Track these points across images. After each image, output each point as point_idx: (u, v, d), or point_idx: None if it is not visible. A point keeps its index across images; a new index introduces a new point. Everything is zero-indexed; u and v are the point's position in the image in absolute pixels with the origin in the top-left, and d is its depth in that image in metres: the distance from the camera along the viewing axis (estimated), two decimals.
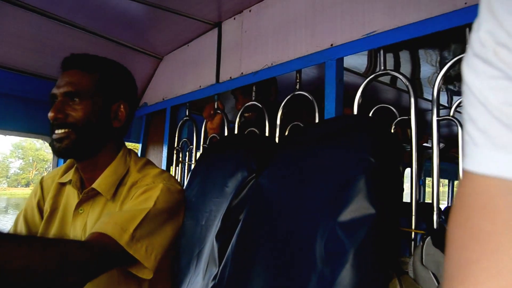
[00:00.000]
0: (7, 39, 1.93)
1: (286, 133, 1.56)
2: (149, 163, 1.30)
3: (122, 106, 1.23)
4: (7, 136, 2.29)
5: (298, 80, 1.53)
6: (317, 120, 1.41)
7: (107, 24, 2.02)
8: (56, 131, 1.12)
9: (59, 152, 1.14)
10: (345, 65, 1.38)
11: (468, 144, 0.34)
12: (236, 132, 1.79)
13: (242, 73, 1.75)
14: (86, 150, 1.17)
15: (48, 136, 2.34)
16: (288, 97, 1.55)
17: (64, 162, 2.32)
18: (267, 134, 1.64)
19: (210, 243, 1.19)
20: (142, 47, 2.32)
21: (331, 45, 1.37)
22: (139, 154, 2.57)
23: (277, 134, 1.56)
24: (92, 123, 1.15)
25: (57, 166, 2.43)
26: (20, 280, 0.75)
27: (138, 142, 2.64)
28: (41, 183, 1.35)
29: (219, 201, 1.25)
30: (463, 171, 0.35)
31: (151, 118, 2.60)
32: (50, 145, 1.19)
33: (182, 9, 1.84)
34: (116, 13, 1.90)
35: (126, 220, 1.01)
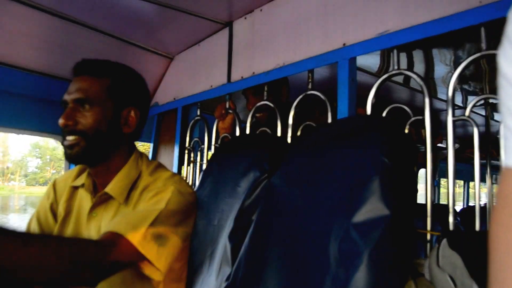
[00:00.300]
0: (20, 39, 1.95)
1: (299, 133, 1.56)
2: (160, 166, 1.30)
3: (132, 112, 1.23)
4: (21, 135, 2.32)
5: (310, 80, 1.52)
6: (329, 120, 1.40)
7: (119, 24, 2.04)
8: (67, 138, 1.13)
9: (70, 158, 1.15)
10: (357, 65, 1.37)
11: (509, 140, 0.33)
12: (247, 132, 1.79)
13: (253, 72, 1.75)
14: (96, 157, 1.18)
15: (60, 136, 2.38)
16: (300, 97, 1.54)
17: (72, 165, 2.36)
18: (279, 134, 1.63)
19: (223, 243, 1.19)
20: (153, 47, 2.33)
21: (344, 44, 1.36)
22: (150, 154, 2.59)
23: (289, 134, 1.55)
24: (102, 130, 1.15)
25: (69, 167, 2.46)
26: (35, 278, 0.76)
27: (150, 142, 2.65)
28: (54, 185, 1.36)
29: (231, 201, 1.25)
30: (504, 168, 0.33)
31: (163, 118, 2.61)
32: (63, 148, 1.20)
33: (193, 9, 1.84)
34: (127, 13, 1.91)
35: (138, 220, 1.02)
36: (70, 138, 1.13)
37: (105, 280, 0.91)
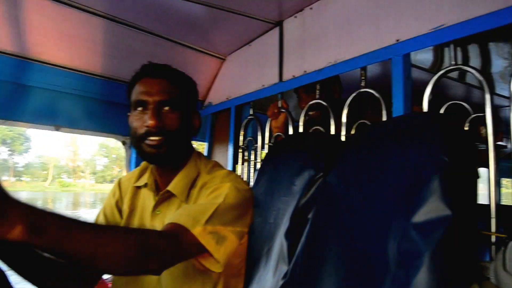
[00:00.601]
0: (82, 44, 2.07)
1: (352, 132, 1.55)
2: (217, 165, 1.35)
3: (196, 115, 1.30)
4: (85, 135, 2.46)
5: (363, 78, 1.51)
6: (384, 118, 1.39)
7: (173, 27, 2.11)
8: (151, 138, 1.17)
9: (153, 157, 1.21)
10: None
11: None
12: (301, 130, 1.80)
13: (305, 71, 1.75)
14: (175, 157, 1.24)
15: (120, 135, 2.51)
16: (354, 94, 1.53)
17: (137, 160, 2.47)
18: (332, 132, 1.63)
19: (279, 241, 1.21)
20: (205, 48, 2.38)
21: (397, 40, 1.34)
22: (205, 153, 2.66)
23: (343, 132, 1.54)
24: (182, 132, 1.22)
25: (129, 164, 2.58)
26: (105, 266, 0.81)
27: (204, 141, 2.71)
28: (119, 184, 1.44)
29: (287, 199, 1.27)
30: None
31: (216, 117, 2.67)
32: (135, 147, 1.25)
33: (244, 9, 1.87)
34: (180, 15, 1.98)
35: (198, 212, 1.06)
36: (155, 138, 1.17)
37: (167, 271, 0.96)
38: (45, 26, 1.91)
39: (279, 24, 1.98)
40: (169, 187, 1.25)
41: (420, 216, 0.81)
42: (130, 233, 0.87)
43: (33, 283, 1.05)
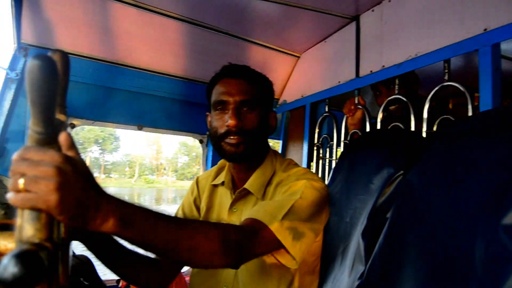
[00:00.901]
0: (163, 47, 2.18)
1: (434, 128, 1.47)
2: (292, 163, 1.35)
3: (272, 115, 1.32)
4: (166, 134, 2.58)
5: (446, 71, 1.43)
6: (469, 113, 1.30)
7: (248, 27, 2.15)
8: (231, 137, 1.21)
9: (232, 156, 1.24)
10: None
11: None
12: (378, 127, 1.75)
13: (383, 66, 1.70)
14: (253, 155, 1.26)
15: (198, 134, 2.61)
16: (436, 88, 1.45)
17: (213, 158, 2.55)
18: (412, 128, 1.56)
19: (356, 241, 1.18)
20: (280, 46, 2.39)
21: (485, 29, 1.25)
22: (279, 151, 2.67)
23: (424, 129, 1.47)
24: (260, 131, 1.24)
25: (206, 162, 2.66)
26: (187, 259, 0.84)
27: (279, 139, 2.73)
28: (197, 182, 1.48)
29: (364, 198, 1.24)
30: None
31: (291, 115, 2.67)
32: (214, 146, 1.28)
33: (319, 6, 1.85)
34: (255, 15, 2.00)
35: (275, 208, 1.06)
36: (235, 137, 1.20)
37: (244, 266, 0.97)
38: (129, 32, 2.03)
39: (355, 18, 1.93)
40: (246, 185, 1.27)
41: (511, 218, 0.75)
42: (211, 227, 0.89)
43: (117, 273, 1.12)
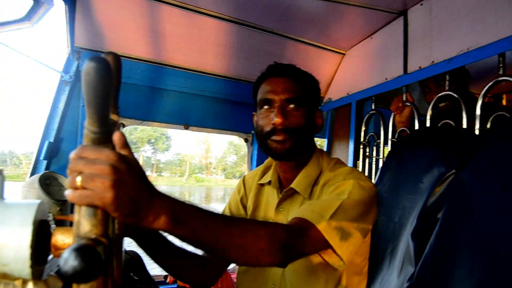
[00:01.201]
0: (210, 48, 2.21)
1: (488, 125, 1.41)
2: (339, 162, 1.33)
3: (318, 113, 1.31)
4: (213, 133, 2.62)
5: (501, 65, 1.36)
6: None
7: (293, 25, 2.14)
8: (277, 135, 1.21)
9: (278, 154, 1.25)
10: None
11: None
12: (427, 125, 1.70)
13: (432, 61, 1.65)
14: (299, 154, 1.26)
15: (243, 133, 2.63)
16: (490, 84, 1.39)
17: (258, 157, 2.56)
18: (464, 126, 1.50)
19: (405, 241, 1.16)
20: (325, 44, 2.37)
21: None
22: (325, 149, 2.64)
23: (477, 126, 1.42)
24: (306, 129, 1.24)
25: (251, 160, 2.68)
26: (236, 257, 0.85)
27: (324, 138, 2.70)
28: (243, 181, 1.50)
29: (413, 197, 1.21)
30: None
31: (336, 113, 2.64)
32: (260, 144, 1.29)
33: (365, 1, 1.82)
34: (300, 13, 2.00)
35: (323, 208, 1.05)
36: (281, 135, 1.21)
37: (291, 266, 0.97)
38: (176, 33, 2.08)
39: (403, 13, 1.88)
40: (293, 185, 1.27)
41: None
42: (260, 226, 0.90)
43: (165, 269, 1.16)
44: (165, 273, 2.41)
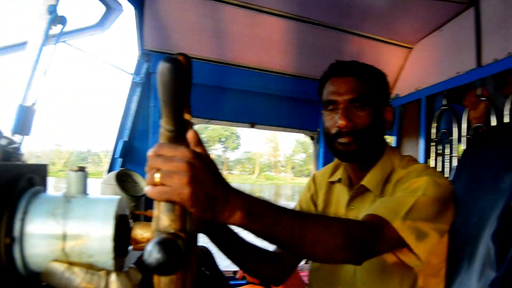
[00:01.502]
0: (273, 46, 2.24)
1: None
2: (412, 159, 1.29)
3: (388, 109, 1.26)
4: (280, 131, 2.66)
5: None
6: None
7: (356, 20, 2.11)
8: (343, 138, 1.20)
9: (344, 156, 1.24)
10: None
11: None
12: (506, 120, 1.60)
13: (509, 53, 1.56)
14: (367, 154, 1.24)
15: (309, 131, 2.62)
16: None
17: (325, 155, 2.55)
18: None
19: (485, 244, 1.11)
20: (391, 39, 2.31)
21: None
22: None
23: None
24: (374, 129, 1.21)
25: (318, 158, 2.67)
26: (310, 253, 0.85)
27: (392, 135, 2.64)
28: (313, 179, 1.50)
29: (493, 198, 1.15)
30: None
31: (404, 109, 2.56)
32: (328, 145, 1.28)
33: None
34: (363, 8, 1.97)
35: (397, 205, 1.02)
36: (347, 137, 1.19)
37: (365, 264, 0.95)
38: (239, 33, 2.13)
39: (474, 3, 1.80)
40: (363, 182, 1.24)
41: None
42: (335, 222, 0.89)
43: (237, 264, 1.17)
44: (234, 269, 2.47)
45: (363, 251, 0.91)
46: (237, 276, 2.45)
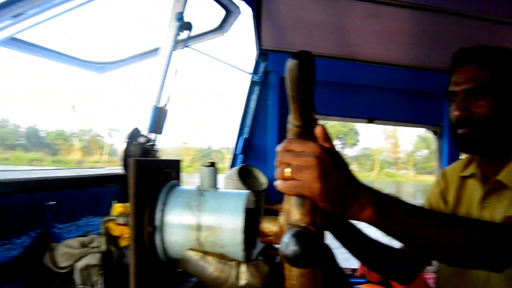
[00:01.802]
0: (392, 38, 2.17)
1: None
2: None
3: None
4: (400, 127, 2.56)
5: None
6: None
7: (483, 5, 1.94)
8: (459, 129, 1.13)
9: (463, 148, 1.16)
10: None
11: None
12: None
13: None
14: (490, 146, 1.14)
15: (431, 126, 2.47)
16: None
17: (449, 151, 2.39)
18: None
19: None
20: None
21: None
22: None
23: None
24: (497, 119, 1.11)
25: (441, 154, 2.51)
26: (443, 255, 0.81)
27: None
28: (443, 174, 1.40)
29: None
30: None
31: None
32: (453, 138, 1.21)
33: None
34: None
35: None
36: (463, 128, 1.12)
37: (505, 271, 0.87)
38: (356, 26, 2.10)
39: None
40: (499, 176, 1.12)
41: None
42: (474, 225, 0.82)
43: (363, 261, 1.17)
44: (353, 267, 2.44)
45: (503, 258, 0.83)
46: (357, 274, 2.41)
